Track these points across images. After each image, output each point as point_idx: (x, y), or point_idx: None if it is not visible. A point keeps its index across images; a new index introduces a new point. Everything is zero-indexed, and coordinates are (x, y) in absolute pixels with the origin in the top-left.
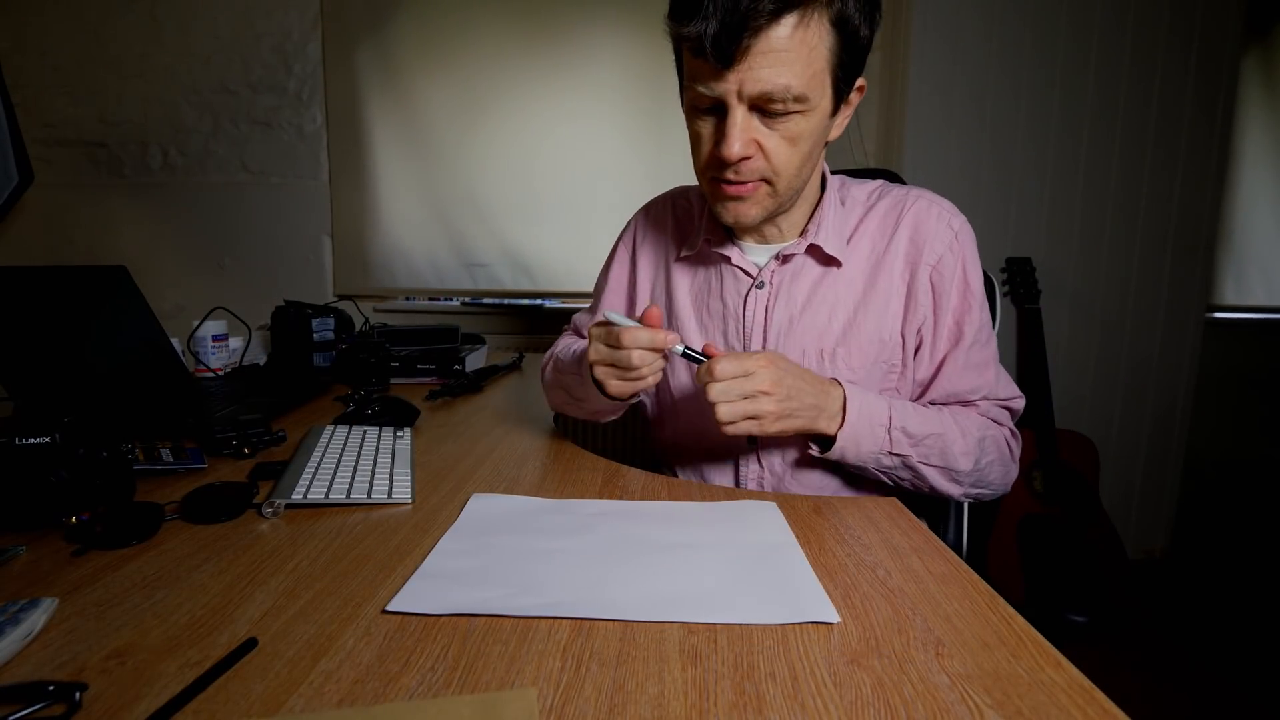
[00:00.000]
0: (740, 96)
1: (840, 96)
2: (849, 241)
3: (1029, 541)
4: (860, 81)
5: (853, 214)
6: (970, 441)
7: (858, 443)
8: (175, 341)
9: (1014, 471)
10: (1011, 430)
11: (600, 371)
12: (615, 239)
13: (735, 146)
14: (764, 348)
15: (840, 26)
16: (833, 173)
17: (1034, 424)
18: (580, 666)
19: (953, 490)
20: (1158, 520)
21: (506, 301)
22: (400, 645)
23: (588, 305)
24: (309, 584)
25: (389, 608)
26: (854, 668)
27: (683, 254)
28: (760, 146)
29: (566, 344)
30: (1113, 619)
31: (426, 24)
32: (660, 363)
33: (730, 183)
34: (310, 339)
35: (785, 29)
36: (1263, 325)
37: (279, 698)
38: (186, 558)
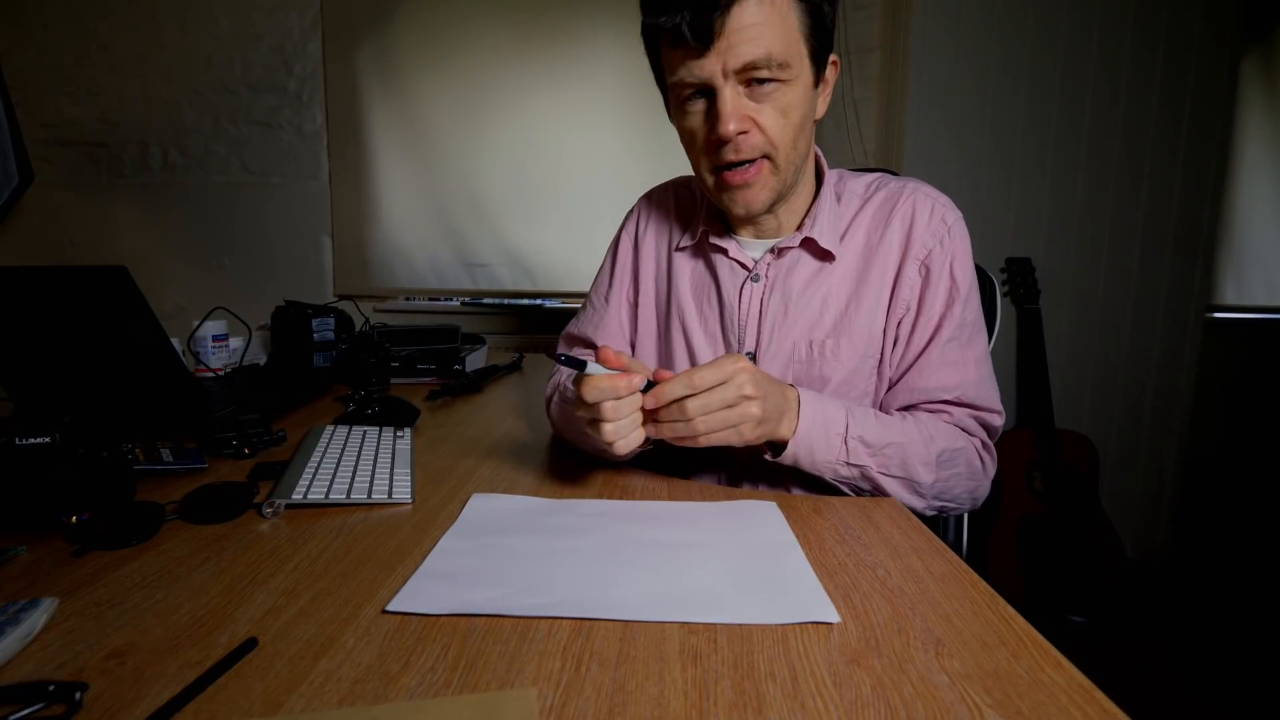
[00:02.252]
0: (725, 74)
1: (819, 69)
2: (844, 235)
3: (1029, 541)
4: (833, 57)
5: (849, 207)
6: (932, 451)
7: (811, 450)
8: (175, 341)
9: (984, 488)
10: (984, 442)
11: (595, 430)
12: (618, 228)
13: (731, 123)
14: (758, 340)
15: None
16: (831, 168)
17: (1034, 424)
18: (580, 666)
19: (915, 503)
20: (1158, 520)
21: (506, 301)
22: (400, 645)
23: (581, 307)
24: (309, 584)
25: (389, 608)
26: (854, 668)
27: (682, 244)
28: (755, 122)
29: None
30: (1113, 620)
31: (426, 24)
32: (631, 409)
33: (733, 167)
34: (310, 339)
35: (754, 2)
36: (1263, 325)
37: (279, 698)
38: (186, 558)
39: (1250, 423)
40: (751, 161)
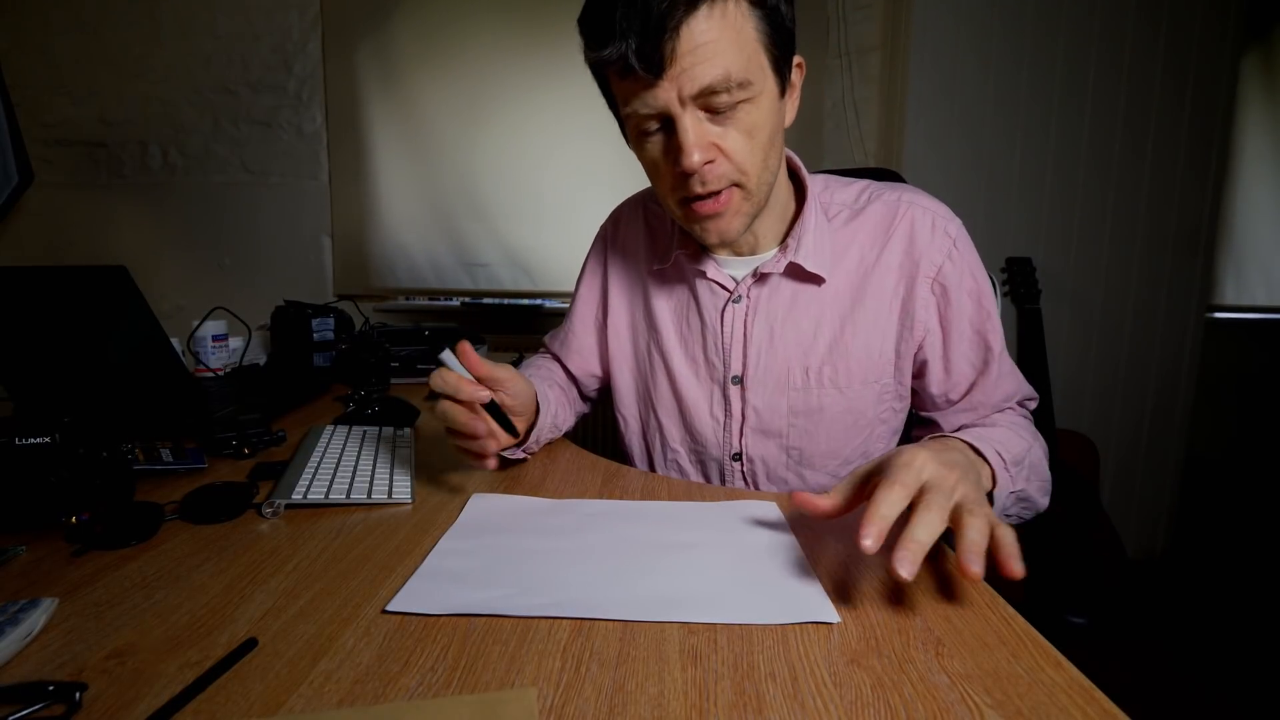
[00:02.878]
0: (683, 101)
1: (783, 78)
2: (834, 255)
3: (1030, 541)
4: (797, 59)
5: (839, 223)
6: (1038, 446)
7: (1000, 491)
8: (175, 341)
9: None
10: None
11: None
12: (589, 247)
13: (695, 154)
14: (745, 364)
15: (758, 5)
16: (821, 171)
17: (1034, 423)
18: (580, 666)
19: (1044, 504)
20: (1158, 520)
21: (506, 301)
22: (400, 645)
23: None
24: (309, 584)
25: (389, 608)
26: (854, 668)
27: (656, 266)
28: (719, 148)
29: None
30: (1113, 620)
31: (426, 24)
32: (459, 414)
33: (701, 198)
34: (310, 339)
35: (703, 19)
36: (1263, 325)
37: (279, 698)
38: (186, 558)
39: (1251, 422)
40: (720, 191)
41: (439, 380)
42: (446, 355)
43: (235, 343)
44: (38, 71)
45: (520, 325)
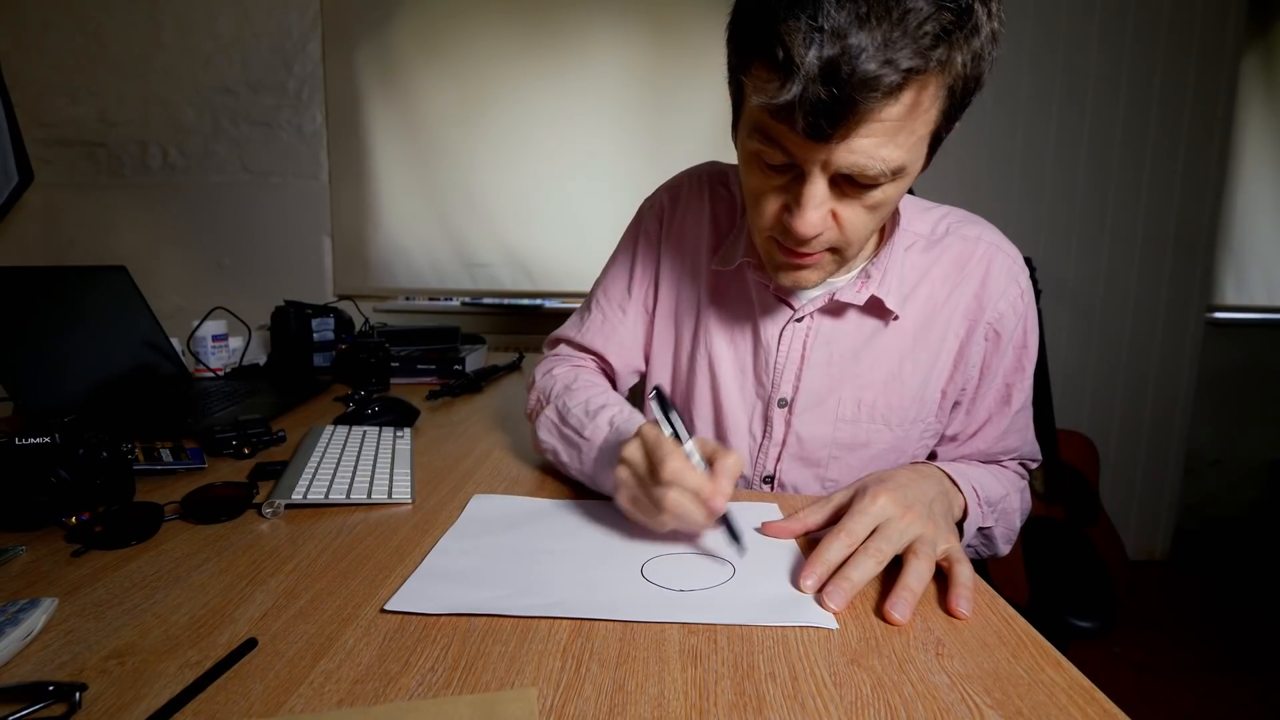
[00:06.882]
0: (826, 168)
1: (936, 148)
2: (905, 288)
3: (1031, 542)
4: None
5: (914, 255)
6: (1015, 499)
7: (970, 520)
8: (175, 341)
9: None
10: (1027, 483)
11: (624, 489)
12: (634, 220)
13: (813, 221)
14: (796, 388)
15: (956, 84)
16: None
17: (1034, 424)
18: (580, 666)
19: (1004, 550)
20: (1158, 520)
21: (506, 301)
22: (400, 645)
23: (578, 309)
24: (309, 584)
25: (388, 607)
26: (854, 668)
27: (717, 267)
28: (835, 216)
29: (567, 381)
30: (1116, 621)
31: (426, 24)
32: (700, 515)
33: (793, 252)
34: (310, 339)
35: (900, 105)
36: (1263, 325)
37: (279, 698)
38: (186, 558)
39: (1250, 423)
40: (815, 251)
41: (676, 500)
42: (692, 448)
43: (235, 343)
44: (38, 71)
45: (520, 325)
